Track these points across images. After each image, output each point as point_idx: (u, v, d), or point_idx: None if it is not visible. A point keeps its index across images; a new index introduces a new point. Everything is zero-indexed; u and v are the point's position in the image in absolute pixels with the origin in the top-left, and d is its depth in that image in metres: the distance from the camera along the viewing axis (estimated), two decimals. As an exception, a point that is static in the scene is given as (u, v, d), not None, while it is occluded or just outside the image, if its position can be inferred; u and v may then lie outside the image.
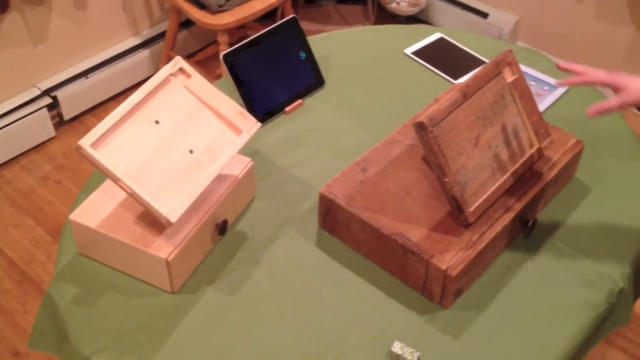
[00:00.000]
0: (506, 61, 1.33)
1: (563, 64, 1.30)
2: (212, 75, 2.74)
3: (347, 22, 3.14)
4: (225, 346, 1.22)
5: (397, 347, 1.21)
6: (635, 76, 1.24)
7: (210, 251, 1.37)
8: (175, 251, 1.25)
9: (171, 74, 1.29)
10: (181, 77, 1.30)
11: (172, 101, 1.28)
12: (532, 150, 1.37)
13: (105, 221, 1.29)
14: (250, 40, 1.62)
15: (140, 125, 1.23)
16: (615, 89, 1.25)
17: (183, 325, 1.25)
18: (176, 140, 1.26)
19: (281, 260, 1.36)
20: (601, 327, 1.31)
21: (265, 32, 1.64)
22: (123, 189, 1.19)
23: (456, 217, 1.29)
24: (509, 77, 1.34)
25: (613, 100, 1.23)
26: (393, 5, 3.04)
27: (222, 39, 2.52)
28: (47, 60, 2.63)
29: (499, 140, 1.33)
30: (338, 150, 1.58)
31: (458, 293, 1.28)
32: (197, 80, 1.31)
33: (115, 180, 1.19)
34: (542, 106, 1.66)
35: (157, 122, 1.25)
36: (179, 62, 1.30)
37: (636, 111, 1.33)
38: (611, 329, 1.35)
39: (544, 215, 1.43)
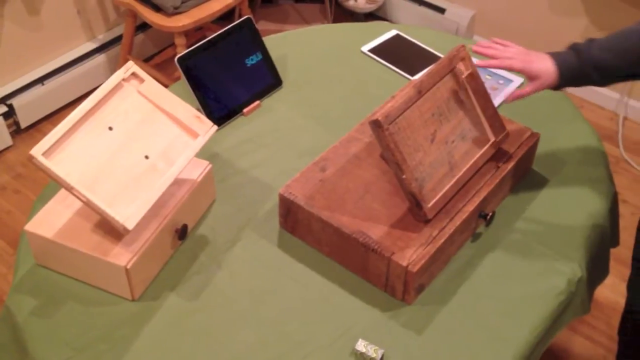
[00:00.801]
0: (459, 56, 1.34)
1: (476, 47, 1.35)
2: (170, 78, 2.72)
3: (305, 20, 3.14)
4: (189, 352, 1.21)
5: (361, 345, 1.21)
6: (546, 57, 1.29)
7: (170, 257, 1.35)
8: (135, 258, 1.23)
9: (124, 79, 1.27)
10: (134, 82, 1.29)
11: (126, 107, 1.26)
12: (488, 144, 1.38)
13: (61, 231, 1.27)
14: (205, 43, 1.61)
15: (93, 132, 1.22)
16: (529, 77, 1.31)
17: (145, 333, 1.24)
18: (131, 146, 1.24)
19: (243, 263, 1.35)
20: (562, 317, 1.33)
21: (220, 33, 1.63)
22: (78, 197, 1.17)
23: (415, 214, 1.29)
24: (462, 72, 1.35)
25: (527, 88, 1.32)
26: (351, 3, 3.05)
27: (180, 41, 2.50)
28: (2, 67, 2.58)
29: (455, 135, 1.34)
30: (297, 150, 1.58)
31: (420, 289, 1.29)
32: (151, 84, 1.29)
33: (69, 188, 1.17)
34: (497, 100, 1.68)
35: (110, 128, 1.23)
36: (131, 67, 1.28)
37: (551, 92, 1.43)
38: (572, 319, 1.37)
39: (502, 207, 1.44)
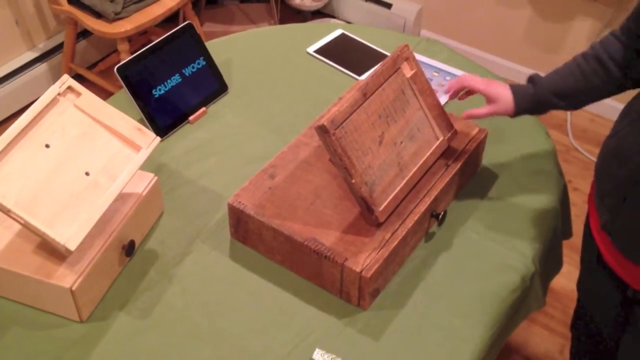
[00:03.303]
0: (403, 56, 1.33)
1: (447, 91, 1.40)
2: (116, 85, 2.65)
3: (252, 21, 3.10)
4: (141, 373, 1.18)
5: (317, 355, 1.19)
6: (506, 86, 1.33)
7: (118, 274, 1.31)
8: (80, 279, 1.19)
9: (59, 94, 1.22)
10: (70, 95, 1.24)
11: (62, 122, 1.21)
12: (437, 143, 1.37)
13: (2, 254, 1.22)
14: (146, 50, 1.56)
15: (29, 151, 1.17)
16: (488, 99, 1.34)
17: (95, 355, 1.20)
18: (70, 164, 1.20)
19: (194, 276, 1.32)
20: (517, 313, 1.33)
21: (161, 40, 1.59)
22: (16, 220, 1.13)
23: (367, 218, 1.28)
24: (407, 72, 1.33)
25: (485, 109, 1.35)
26: (297, 1, 3.02)
27: (123, 47, 2.44)
28: (-63, 82, 2.49)
29: (403, 136, 1.32)
30: (247, 156, 1.55)
31: (375, 293, 1.27)
32: (88, 97, 1.25)
33: (6, 211, 1.12)
34: (444, 97, 1.67)
35: (47, 145, 1.19)
36: (66, 80, 1.23)
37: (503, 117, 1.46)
38: (528, 314, 1.37)
39: (454, 206, 1.43)
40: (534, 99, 1.31)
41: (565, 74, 1.28)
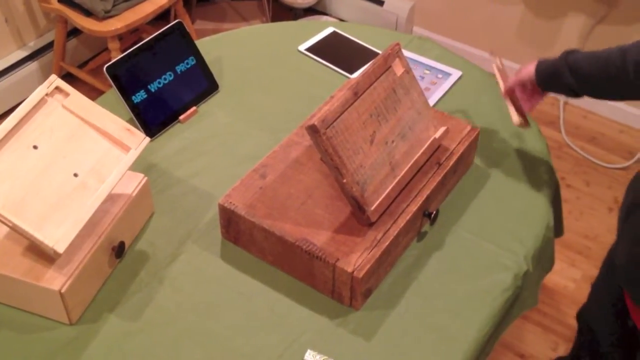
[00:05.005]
0: (394, 54, 1.32)
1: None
2: (107, 84, 2.64)
3: (243, 18, 3.09)
4: (131, 375, 1.17)
5: (309, 356, 1.18)
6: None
7: (108, 276, 1.30)
8: (69, 281, 1.18)
9: (47, 94, 1.21)
10: (58, 96, 1.23)
11: (51, 123, 1.20)
12: (429, 142, 1.37)
13: (-10, 256, 1.21)
14: (135, 49, 1.55)
15: (16, 152, 1.15)
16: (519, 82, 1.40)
17: (85, 358, 1.19)
18: (58, 165, 1.18)
19: (185, 277, 1.31)
20: (510, 312, 1.33)
21: (150, 39, 1.57)
22: (3, 222, 1.11)
23: (358, 217, 1.27)
24: (398, 70, 1.32)
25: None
26: (289, -1, 3.00)
27: (113, 45, 2.42)
28: None
29: (394, 135, 1.31)
30: (238, 156, 1.54)
31: (368, 293, 1.26)
32: (76, 98, 1.24)
33: (-7, 214, 1.11)
34: (437, 94, 1.66)
35: (35, 147, 1.17)
36: (54, 80, 1.22)
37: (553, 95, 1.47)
38: (521, 312, 1.37)
39: (446, 205, 1.43)
40: (552, 70, 1.30)
41: (593, 59, 1.23)
